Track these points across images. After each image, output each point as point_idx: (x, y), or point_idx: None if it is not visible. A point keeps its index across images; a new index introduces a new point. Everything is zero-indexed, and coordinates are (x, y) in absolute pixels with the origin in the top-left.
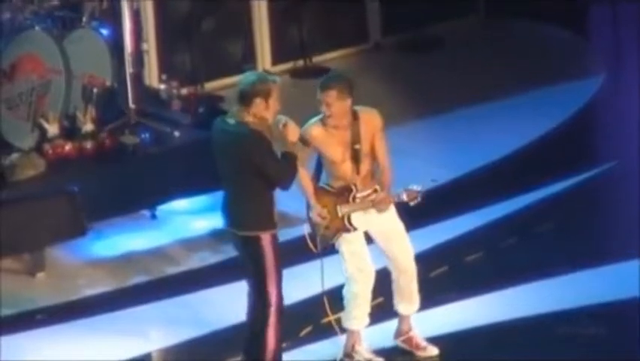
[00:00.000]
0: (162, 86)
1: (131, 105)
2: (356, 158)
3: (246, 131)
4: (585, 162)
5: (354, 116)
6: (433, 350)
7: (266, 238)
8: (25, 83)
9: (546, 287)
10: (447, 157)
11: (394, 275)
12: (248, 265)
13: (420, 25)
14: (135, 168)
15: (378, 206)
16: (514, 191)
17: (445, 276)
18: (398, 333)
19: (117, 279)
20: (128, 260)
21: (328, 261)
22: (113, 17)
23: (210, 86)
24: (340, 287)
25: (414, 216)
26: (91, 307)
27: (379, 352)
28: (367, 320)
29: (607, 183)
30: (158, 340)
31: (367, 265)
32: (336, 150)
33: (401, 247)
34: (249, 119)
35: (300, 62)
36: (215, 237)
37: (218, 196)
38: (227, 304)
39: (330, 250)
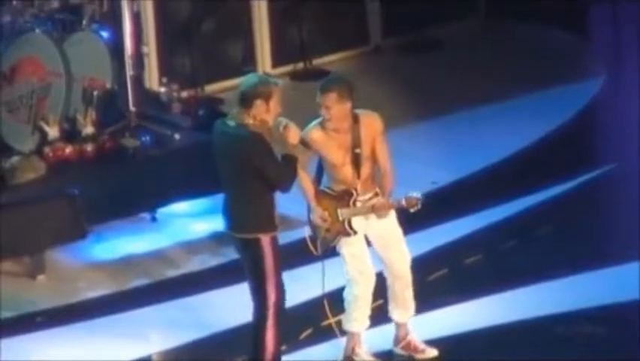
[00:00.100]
0: (162, 89)
1: (132, 108)
2: (356, 162)
3: (246, 134)
4: (585, 164)
5: (355, 119)
6: (432, 352)
7: (266, 240)
8: (25, 86)
9: (546, 290)
10: (447, 159)
11: (390, 281)
12: (248, 267)
13: (420, 27)
14: (135, 171)
15: (378, 212)
16: (514, 193)
17: (444, 278)
18: (396, 340)
19: (117, 282)
20: (128, 263)
21: (329, 263)
22: (114, 20)
23: (210, 88)
24: (341, 290)
25: (414, 218)
26: (91, 309)
27: (379, 354)
28: (368, 322)
29: (607, 185)
30: (159, 342)
31: (368, 267)
32: (336, 154)
33: (398, 254)
34: (249, 121)
35: (300, 65)
36: (216, 239)
37: (218, 199)
38: (227, 307)
39: (330, 252)
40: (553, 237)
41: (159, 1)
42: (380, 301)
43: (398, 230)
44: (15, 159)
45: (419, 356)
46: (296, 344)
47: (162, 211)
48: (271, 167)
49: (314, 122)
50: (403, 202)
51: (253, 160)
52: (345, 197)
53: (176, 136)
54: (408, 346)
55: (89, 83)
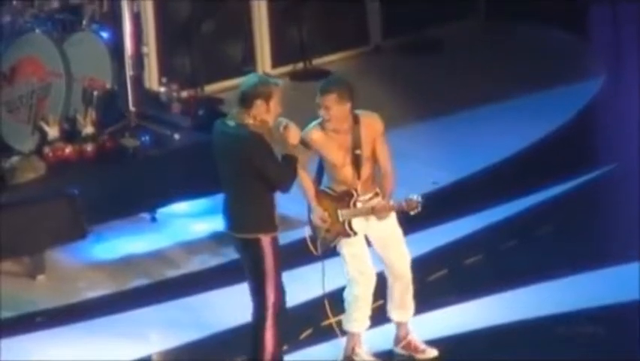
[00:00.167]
0: (162, 89)
1: (131, 108)
2: (357, 163)
3: (246, 134)
4: (585, 164)
5: (355, 120)
6: (432, 352)
7: (266, 241)
8: (25, 86)
9: (546, 290)
10: (447, 159)
11: (390, 281)
12: (247, 267)
13: (420, 27)
14: (135, 171)
15: (379, 213)
16: (514, 193)
17: (444, 279)
18: (397, 340)
19: (117, 282)
20: (128, 263)
21: (329, 263)
22: (113, 20)
23: (210, 88)
24: (341, 290)
25: (414, 218)
26: (91, 309)
27: (379, 355)
28: (368, 322)
29: (607, 185)
30: (159, 343)
31: (368, 267)
32: (336, 154)
33: (398, 254)
34: (249, 121)
35: (300, 65)
36: (215, 239)
37: (218, 199)
38: (227, 307)
39: (331, 252)
40: (554, 237)
41: (159, 1)
42: (380, 302)
43: (398, 231)
44: (15, 159)
45: (419, 356)
46: (296, 344)
47: (162, 211)
48: (271, 167)
49: (314, 123)
50: (404, 205)
51: (253, 160)
52: (345, 198)
53: (176, 136)
54: (408, 346)
55: (88, 83)
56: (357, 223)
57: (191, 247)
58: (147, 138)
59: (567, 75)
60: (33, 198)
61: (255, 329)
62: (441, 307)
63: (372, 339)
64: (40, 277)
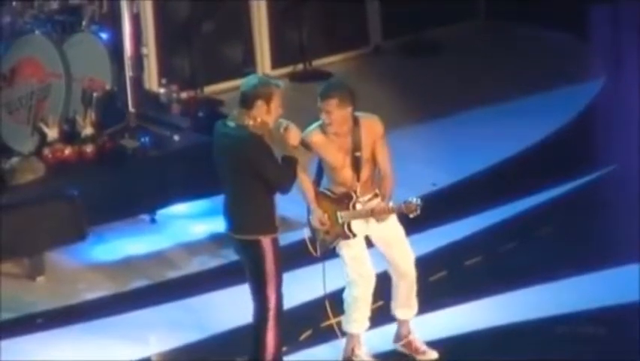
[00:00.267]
0: (162, 90)
1: (131, 109)
2: (356, 165)
3: (246, 135)
4: (585, 166)
5: (355, 122)
6: (433, 354)
7: (266, 242)
8: (25, 87)
9: (546, 291)
10: (447, 161)
11: (394, 280)
12: (248, 269)
13: (420, 28)
14: (135, 172)
15: (378, 216)
16: (514, 195)
17: (444, 280)
18: (397, 337)
19: (117, 283)
20: (128, 264)
21: (329, 264)
22: (113, 21)
23: (210, 89)
24: (341, 291)
25: (414, 220)
26: (91, 311)
27: (379, 356)
28: (367, 323)
29: (607, 186)
30: (158, 344)
31: (368, 269)
32: (336, 157)
33: (401, 252)
34: (249, 122)
35: (300, 66)
36: (215, 241)
37: (217, 200)
38: (227, 308)
39: (331, 253)
40: (554, 238)
41: (159, 2)
42: (380, 303)
43: (400, 230)
44: (14, 160)
45: (419, 357)
46: (296, 345)
47: (161, 213)
48: (271, 168)
49: (314, 125)
50: (403, 207)
51: (253, 161)
52: (344, 200)
53: (176, 137)
54: (409, 346)
55: (88, 84)
56: (357, 225)
57: (191, 248)
58: (147, 139)
59: (567, 76)
60: (32, 200)
61: (256, 330)
62: (441, 308)
63: (371, 340)
64: (40, 279)
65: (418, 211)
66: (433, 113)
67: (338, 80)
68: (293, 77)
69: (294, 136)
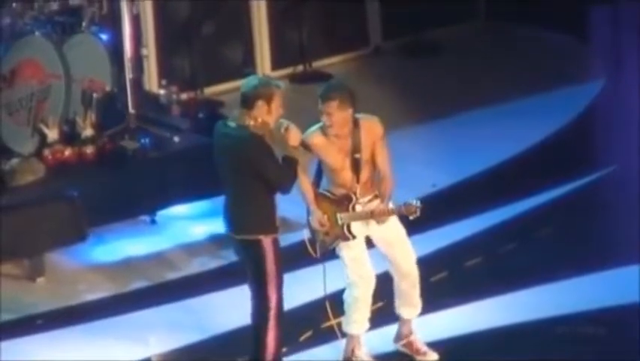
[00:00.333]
0: (162, 91)
1: (131, 110)
2: (356, 166)
3: (247, 135)
4: (585, 167)
5: (355, 124)
6: (433, 355)
7: (267, 242)
8: (25, 89)
9: (546, 292)
10: (447, 162)
11: (396, 280)
12: (249, 269)
13: (420, 29)
14: (135, 173)
15: (378, 218)
16: (513, 196)
17: (444, 281)
18: (398, 337)
19: (117, 284)
20: (128, 265)
21: (330, 265)
22: (113, 22)
23: (210, 91)
24: (341, 291)
25: (414, 221)
26: (91, 312)
27: (379, 357)
28: (367, 324)
29: (607, 187)
30: (158, 345)
31: (368, 270)
32: (336, 158)
33: (403, 252)
34: (250, 122)
35: (300, 67)
36: (215, 242)
37: (217, 201)
38: (227, 309)
39: (331, 254)
40: (554, 239)
41: (159, 3)
42: (380, 304)
43: (401, 230)
44: (14, 161)
45: (420, 358)
46: (296, 346)
47: (162, 214)
48: (271, 168)
49: (315, 127)
50: (402, 209)
51: (253, 161)
52: (344, 202)
53: (176, 138)
54: (409, 346)
55: (88, 85)
56: (357, 226)
57: (191, 249)
58: (147, 140)
59: (567, 77)
60: (33, 201)
61: (257, 330)
62: (441, 309)
63: (371, 341)
64: (40, 280)
65: (418, 213)
66: (433, 114)
67: (338, 81)
68: (293, 78)
69: (294, 136)
